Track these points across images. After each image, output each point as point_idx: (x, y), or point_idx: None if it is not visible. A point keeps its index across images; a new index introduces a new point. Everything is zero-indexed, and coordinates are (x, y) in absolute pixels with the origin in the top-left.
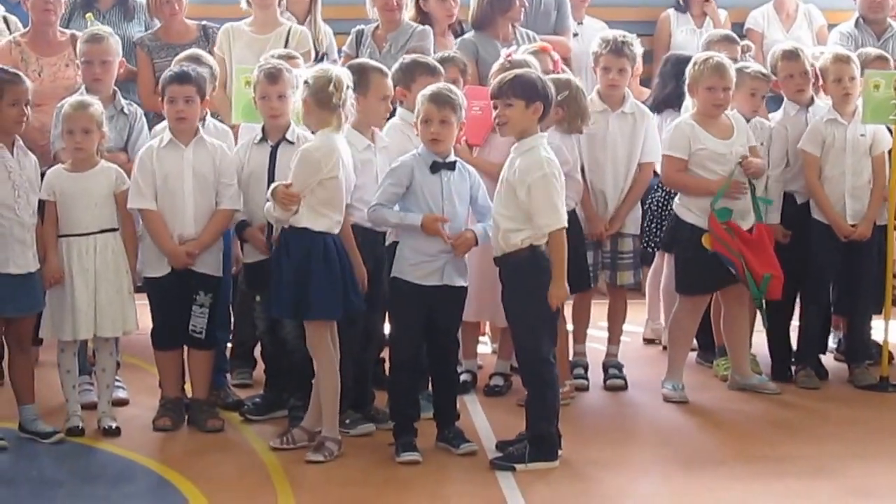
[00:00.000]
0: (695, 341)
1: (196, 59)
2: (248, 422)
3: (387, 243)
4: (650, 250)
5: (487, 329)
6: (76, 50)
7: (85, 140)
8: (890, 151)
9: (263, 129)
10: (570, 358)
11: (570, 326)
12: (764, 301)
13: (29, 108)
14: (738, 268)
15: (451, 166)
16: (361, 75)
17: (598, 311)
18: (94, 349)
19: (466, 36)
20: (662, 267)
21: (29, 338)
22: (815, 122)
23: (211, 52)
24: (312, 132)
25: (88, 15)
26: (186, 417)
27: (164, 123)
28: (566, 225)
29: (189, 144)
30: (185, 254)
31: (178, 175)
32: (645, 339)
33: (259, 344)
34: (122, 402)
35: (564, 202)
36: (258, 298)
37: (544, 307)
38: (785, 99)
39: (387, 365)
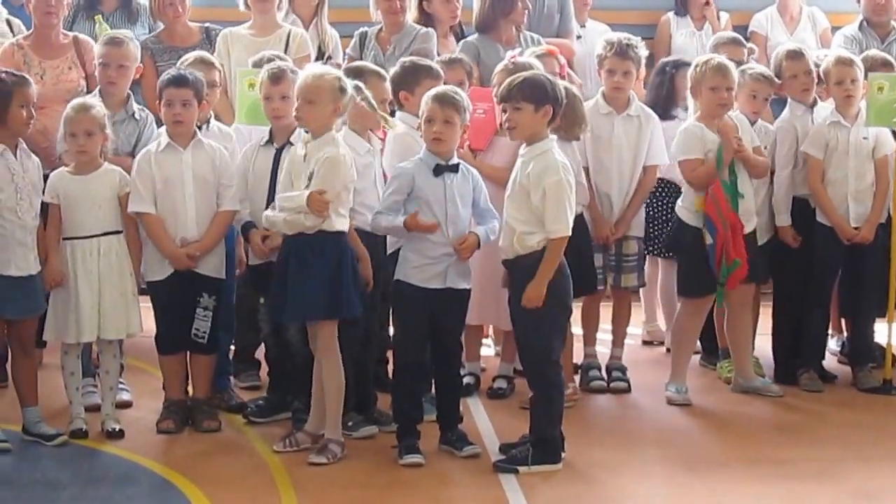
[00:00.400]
0: (698, 344)
1: (203, 62)
2: (251, 424)
3: (389, 251)
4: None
5: (490, 332)
6: (79, 52)
7: (88, 142)
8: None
9: (271, 132)
10: (582, 360)
11: (577, 330)
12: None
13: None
14: (719, 236)
15: (454, 168)
16: (360, 78)
17: (602, 314)
18: (98, 352)
19: (469, 38)
20: (657, 271)
21: (32, 340)
22: (818, 125)
23: None
24: (306, 132)
25: (98, 17)
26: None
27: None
28: (569, 234)
29: (187, 147)
30: (185, 256)
31: (178, 178)
32: (643, 341)
33: (263, 346)
34: (125, 405)
35: (573, 210)
36: (262, 301)
37: (556, 308)
38: (790, 99)
39: (390, 367)
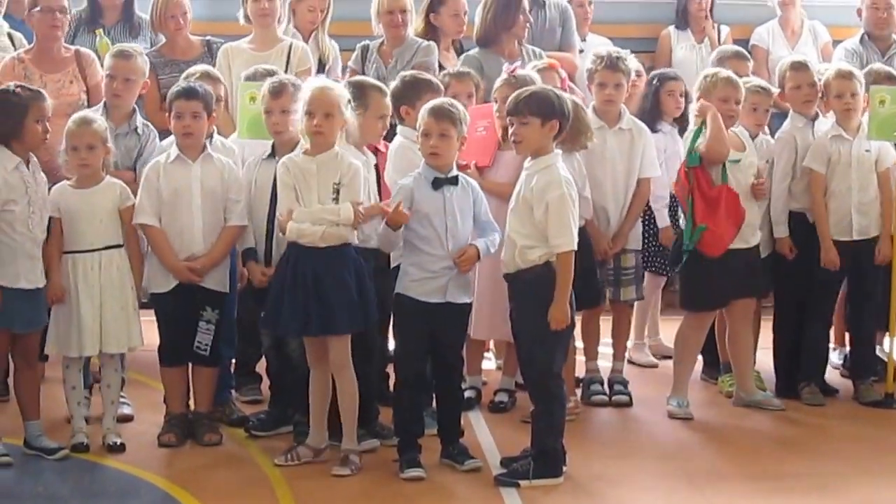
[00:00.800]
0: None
1: (209, 76)
2: (252, 437)
3: (393, 265)
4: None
5: (492, 345)
6: (80, 66)
7: (90, 156)
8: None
9: (273, 146)
10: (584, 374)
11: (578, 343)
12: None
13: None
14: (683, 210)
15: (454, 181)
16: (361, 93)
17: (602, 328)
18: (100, 365)
19: (471, 52)
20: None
21: (35, 353)
22: (820, 139)
23: None
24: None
25: (99, 31)
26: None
27: (171, 139)
28: (575, 248)
29: (196, 160)
30: (187, 269)
31: (186, 190)
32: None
33: (264, 360)
34: (126, 419)
35: (577, 223)
36: (262, 314)
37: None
38: (791, 111)
39: (391, 381)
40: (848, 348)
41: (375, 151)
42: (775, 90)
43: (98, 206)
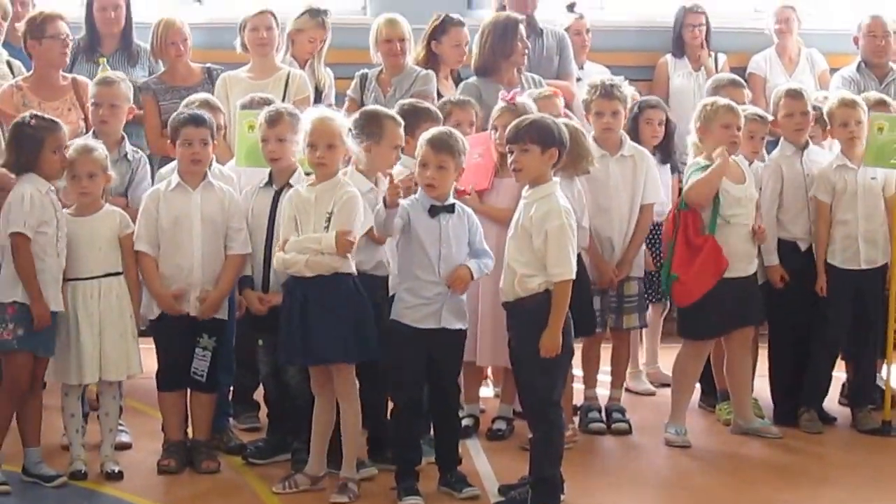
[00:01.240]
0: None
1: (209, 105)
2: (250, 465)
3: (391, 292)
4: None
5: (489, 373)
6: (78, 94)
7: (90, 184)
8: None
9: (271, 174)
10: (583, 402)
11: (577, 371)
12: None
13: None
14: (663, 253)
15: (450, 209)
16: (376, 123)
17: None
18: (98, 393)
19: (470, 80)
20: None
21: (41, 378)
22: (825, 169)
23: None
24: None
25: (101, 59)
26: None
27: (171, 166)
28: (573, 277)
29: (197, 188)
30: (172, 299)
31: (187, 219)
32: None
33: (262, 388)
34: (124, 446)
35: (576, 252)
36: (260, 343)
37: (560, 349)
38: (782, 139)
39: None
40: (847, 376)
41: None
42: (771, 118)
43: (98, 233)
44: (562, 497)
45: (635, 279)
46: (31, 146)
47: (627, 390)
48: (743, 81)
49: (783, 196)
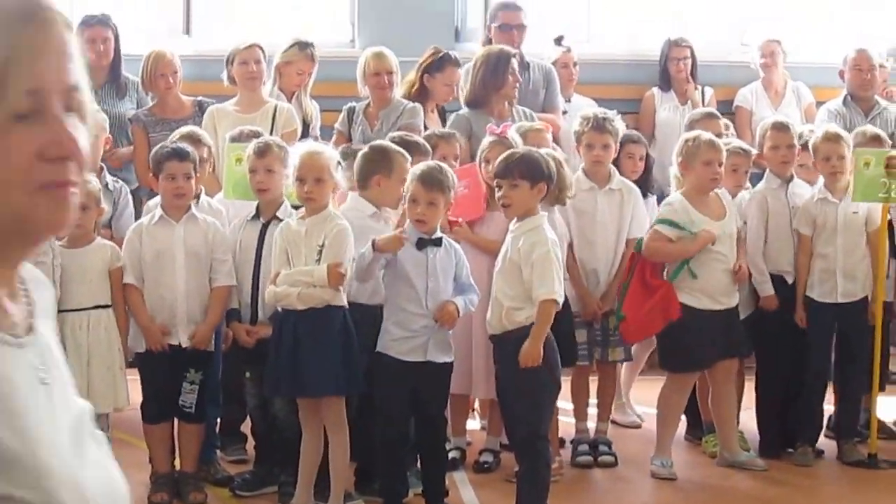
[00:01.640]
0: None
1: (191, 138)
2: (237, 497)
3: None
4: None
5: (476, 405)
6: None
7: (83, 216)
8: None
9: (258, 207)
10: (574, 435)
11: (566, 404)
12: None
13: None
14: (618, 292)
15: (437, 242)
16: (385, 157)
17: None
18: None
19: (461, 112)
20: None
21: None
22: (806, 202)
23: None
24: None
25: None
26: None
27: (158, 199)
28: (559, 300)
29: (181, 221)
30: (160, 333)
31: (170, 251)
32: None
33: (250, 420)
34: None
35: (562, 280)
36: (248, 375)
37: (546, 382)
38: (767, 171)
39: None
40: (833, 408)
41: None
42: (755, 151)
43: (89, 266)
44: None
45: None
46: None
47: (613, 422)
48: (718, 113)
49: (768, 229)
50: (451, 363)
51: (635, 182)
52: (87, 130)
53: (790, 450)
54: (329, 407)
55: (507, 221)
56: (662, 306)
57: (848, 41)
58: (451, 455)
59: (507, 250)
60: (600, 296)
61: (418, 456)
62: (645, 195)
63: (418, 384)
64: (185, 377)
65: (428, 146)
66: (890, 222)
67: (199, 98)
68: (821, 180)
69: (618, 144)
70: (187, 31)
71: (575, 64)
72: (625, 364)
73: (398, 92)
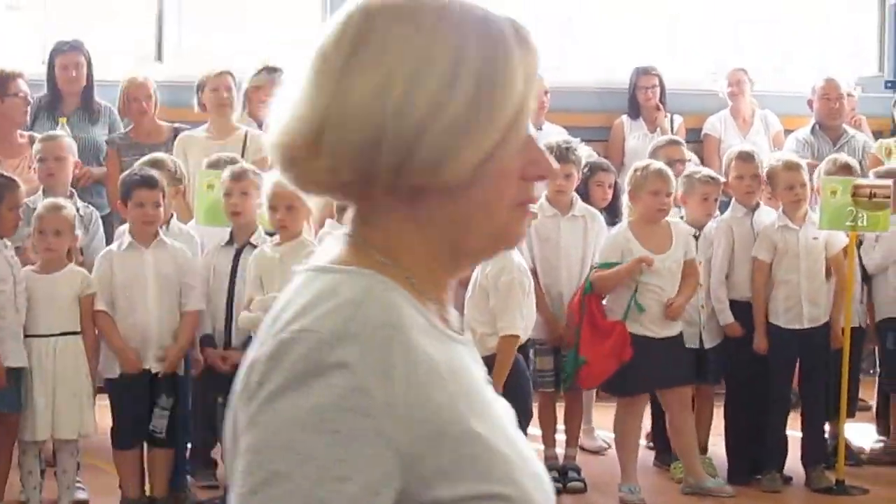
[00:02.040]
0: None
1: (156, 163)
2: None
3: None
4: None
5: None
6: None
7: (56, 241)
8: (844, 253)
9: (232, 233)
10: (544, 462)
11: (535, 430)
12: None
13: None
14: (569, 340)
15: None
16: None
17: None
18: (55, 450)
19: None
20: None
21: (13, 436)
22: (766, 229)
23: None
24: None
25: (62, 119)
26: None
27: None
28: (521, 335)
29: (150, 247)
30: (135, 357)
31: (141, 277)
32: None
33: (220, 445)
34: (82, 503)
35: (523, 312)
36: (220, 400)
37: (518, 410)
38: (733, 200)
39: None
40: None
41: None
42: (723, 179)
43: (58, 292)
44: None
45: None
46: None
47: (581, 448)
48: (682, 140)
49: (734, 256)
50: None
51: (605, 209)
52: None
53: (758, 476)
54: None
55: None
56: (619, 347)
57: (816, 71)
58: None
59: (477, 276)
60: (565, 321)
61: None
62: (614, 222)
63: None
64: (156, 403)
65: None
66: (858, 248)
67: (177, 124)
68: (780, 207)
69: (580, 172)
70: (159, 58)
71: (546, 92)
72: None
73: None
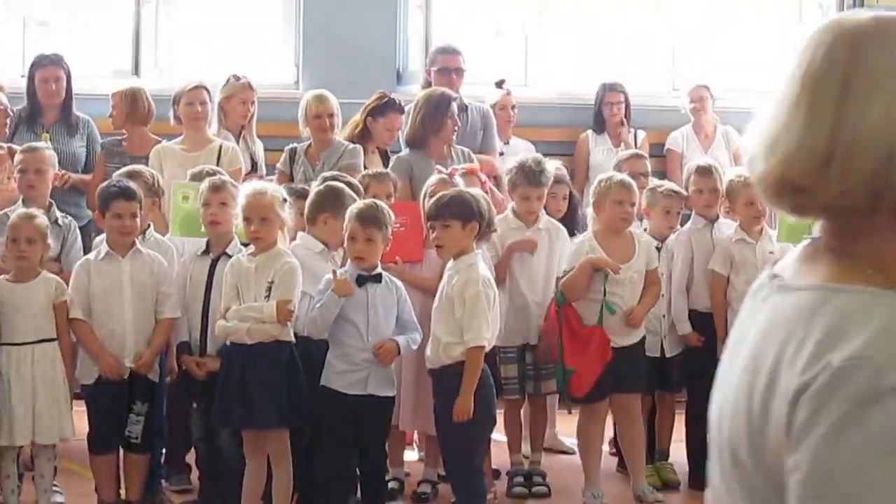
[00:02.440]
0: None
1: (133, 175)
2: None
3: None
4: None
5: (415, 437)
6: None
7: (28, 249)
8: None
9: (208, 243)
10: (510, 468)
11: (500, 436)
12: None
13: None
14: (554, 353)
15: (377, 279)
16: (337, 198)
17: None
18: (33, 455)
19: (401, 154)
20: None
21: None
22: (724, 243)
23: None
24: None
25: (45, 135)
26: None
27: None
28: (485, 345)
29: (126, 256)
30: (115, 363)
31: (117, 287)
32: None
33: (194, 451)
34: None
35: (490, 323)
36: (194, 405)
37: (482, 416)
38: (693, 213)
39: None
40: None
41: None
42: (686, 193)
43: (33, 300)
44: None
45: None
46: None
47: (547, 450)
48: (645, 154)
49: (693, 268)
50: (393, 397)
51: (560, 220)
52: None
53: None
54: (274, 439)
55: (443, 261)
56: (601, 350)
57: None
58: (389, 486)
59: (443, 287)
60: (531, 331)
61: (358, 486)
62: (571, 234)
63: (359, 417)
64: (131, 409)
65: (360, 186)
66: None
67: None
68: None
69: (546, 189)
70: (136, 72)
71: (513, 107)
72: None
73: (343, 132)
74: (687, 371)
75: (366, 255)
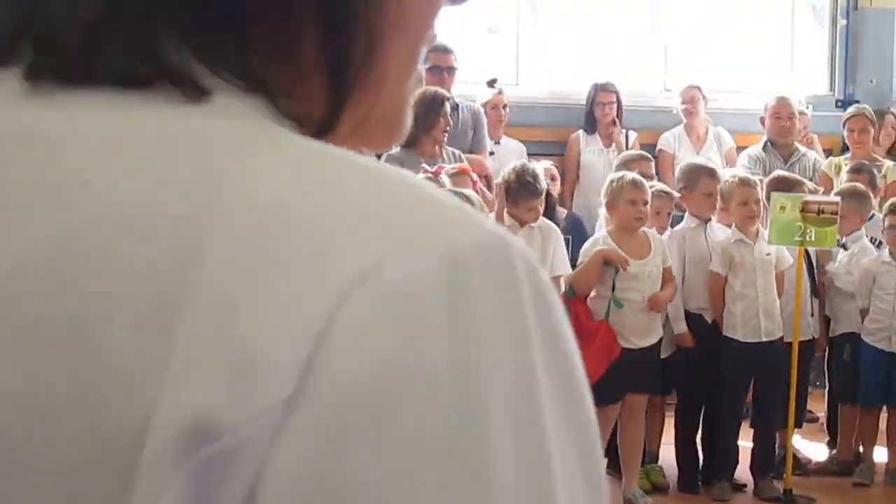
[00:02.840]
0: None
1: None
2: None
3: None
4: None
5: None
6: None
7: None
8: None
9: None
10: None
11: None
12: None
13: None
14: None
15: None
16: None
17: None
18: None
19: (393, 152)
20: None
21: None
22: (723, 243)
23: None
24: None
25: None
26: None
27: None
28: None
29: None
30: None
31: None
32: None
33: None
34: None
35: None
36: None
37: None
38: (687, 213)
39: None
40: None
41: None
42: (677, 194)
43: None
44: None
45: None
46: None
47: None
48: (650, 155)
49: (686, 268)
50: None
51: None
52: None
53: (709, 484)
54: None
55: None
56: (607, 345)
57: (769, 89)
58: None
59: None
60: None
61: None
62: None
63: None
64: None
65: None
66: (809, 263)
67: None
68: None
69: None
70: None
71: (505, 106)
72: None
73: None
74: (677, 372)
75: None
